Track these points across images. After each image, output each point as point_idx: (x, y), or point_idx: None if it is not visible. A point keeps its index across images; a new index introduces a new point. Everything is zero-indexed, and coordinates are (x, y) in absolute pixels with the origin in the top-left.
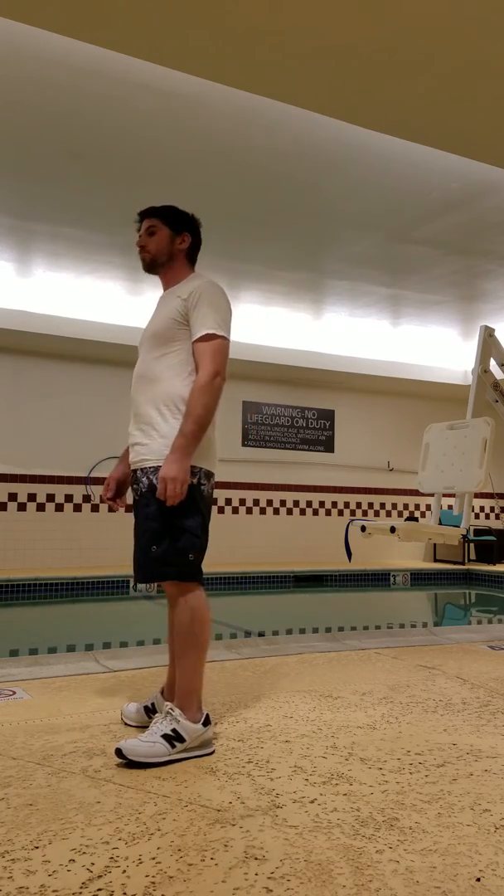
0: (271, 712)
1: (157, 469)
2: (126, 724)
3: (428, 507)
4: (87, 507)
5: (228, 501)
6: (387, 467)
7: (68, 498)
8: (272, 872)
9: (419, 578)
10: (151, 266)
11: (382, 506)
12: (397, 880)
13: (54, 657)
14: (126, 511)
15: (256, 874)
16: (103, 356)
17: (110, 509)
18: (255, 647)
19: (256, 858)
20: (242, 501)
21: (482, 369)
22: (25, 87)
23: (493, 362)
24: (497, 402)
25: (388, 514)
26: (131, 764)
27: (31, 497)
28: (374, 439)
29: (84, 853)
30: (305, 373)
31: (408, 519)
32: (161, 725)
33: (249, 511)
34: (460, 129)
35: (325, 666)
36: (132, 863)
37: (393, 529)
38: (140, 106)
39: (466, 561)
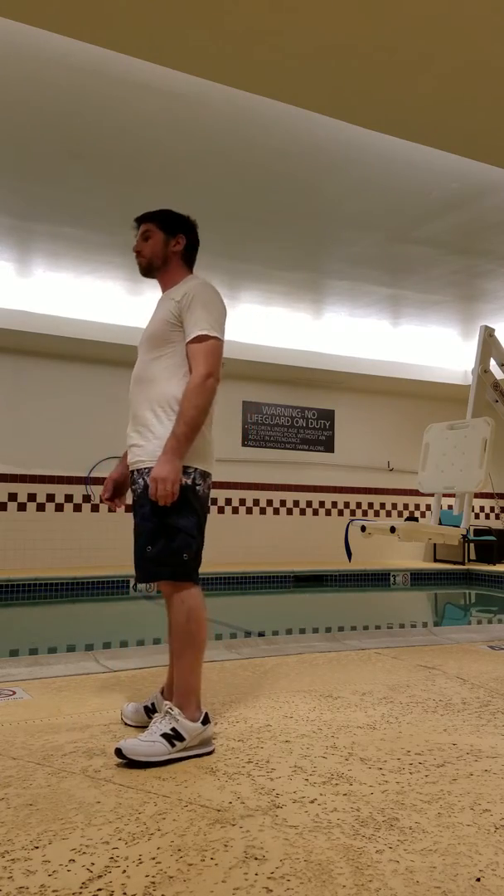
0: (271, 712)
1: (151, 470)
2: (126, 724)
3: (428, 507)
4: (87, 507)
5: (228, 501)
6: (387, 467)
7: (68, 498)
8: (272, 872)
9: (419, 578)
10: (147, 270)
11: (382, 506)
12: (397, 880)
13: (54, 657)
14: (126, 511)
15: (256, 874)
16: (103, 356)
17: (110, 509)
18: (255, 647)
19: (256, 858)
20: (242, 501)
21: (482, 369)
22: (25, 87)
23: (493, 362)
24: (497, 402)
25: (388, 514)
26: (131, 763)
27: (31, 497)
28: (374, 439)
29: (84, 853)
30: (305, 373)
31: (408, 519)
32: (160, 725)
33: (249, 511)
34: (460, 129)
35: (325, 666)
36: (132, 863)
37: (393, 529)
38: (140, 106)
39: (466, 561)
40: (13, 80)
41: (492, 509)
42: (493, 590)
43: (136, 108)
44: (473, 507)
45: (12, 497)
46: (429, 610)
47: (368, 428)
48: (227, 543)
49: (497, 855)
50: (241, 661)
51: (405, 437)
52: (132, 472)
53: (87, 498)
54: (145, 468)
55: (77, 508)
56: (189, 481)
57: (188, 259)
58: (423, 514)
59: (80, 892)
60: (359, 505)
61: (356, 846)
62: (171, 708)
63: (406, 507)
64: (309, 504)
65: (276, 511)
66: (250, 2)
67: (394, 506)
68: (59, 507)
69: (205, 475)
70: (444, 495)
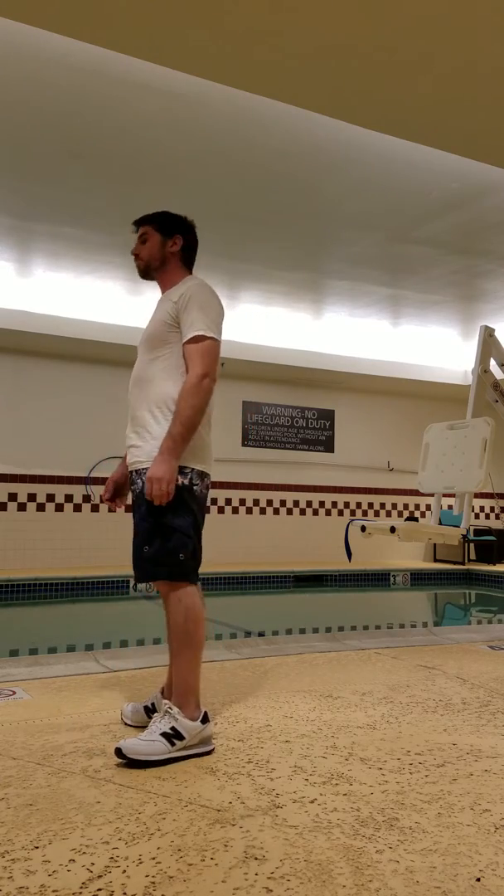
0: (271, 712)
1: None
2: (126, 724)
3: (428, 507)
4: (87, 507)
5: (228, 501)
6: (387, 467)
7: (68, 498)
8: (272, 872)
9: (419, 578)
10: (146, 272)
11: (382, 506)
12: (397, 880)
13: (54, 657)
14: (126, 511)
15: (256, 874)
16: (103, 356)
17: (110, 509)
18: (255, 647)
19: (256, 858)
20: (242, 501)
21: (482, 369)
22: (25, 87)
23: (493, 362)
24: (497, 402)
25: (388, 514)
26: (132, 763)
27: (31, 497)
28: (374, 439)
29: (84, 853)
30: (305, 373)
31: (408, 519)
32: (160, 724)
33: (249, 511)
34: (460, 129)
35: (325, 666)
36: (132, 863)
37: (393, 529)
38: (140, 106)
39: (466, 561)
40: (13, 80)
41: (492, 509)
42: (493, 590)
43: (136, 108)
44: (473, 507)
45: (12, 497)
46: (429, 610)
47: (368, 428)
48: (227, 543)
49: (497, 855)
50: (241, 661)
51: (405, 437)
52: (131, 472)
53: (87, 498)
54: (143, 468)
55: (77, 508)
56: (186, 481)
57: (187, 260)
58: (423, 514)
59: (80, 892)
60: (359, 505)
61: (356, 846)
62: (170, 707)
63: (406, 507)
64: (309, 504)
65: (276, 511)
66: (250, 2)
67: (394, 506)
68: (59, 507)
69: (202, 475)
70: (444, 495)
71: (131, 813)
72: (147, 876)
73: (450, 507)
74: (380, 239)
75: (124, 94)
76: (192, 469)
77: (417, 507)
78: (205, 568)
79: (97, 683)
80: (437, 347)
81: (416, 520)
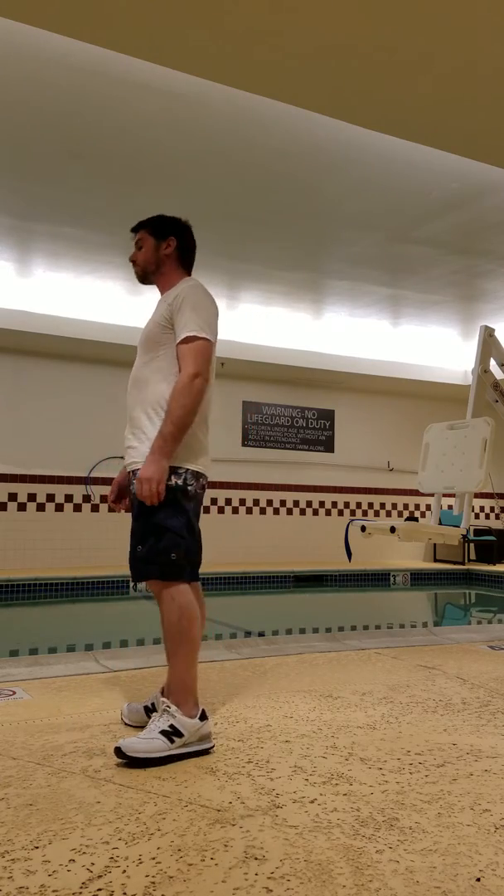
0: (271, 712)
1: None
2: (126, 724)
3: (428, 507)
4: (87, 507)
5: (228, 501)
6: (387, 467)
7: (68, 498)
8: (272, 872)
9: (419, 578)
10: (143, 277)
11: (382, 506)
12: (397, 880)
13: (54, 657)
14: (127, 512)
15: (256, 874)
16: (103, 356)
17: (110, 509)
18: (255, 647)
19: (256, 858)
20: (242, 501)
21: (482, 369)
22: (25, 87)
23: (493, 362)
24: (497, 402)
25: (388, 514)
26: (132, 763)
27: (31, 497)
28: (374, 439)
29: (84, 853)
30: (305, 373)
31: (408, 519)
32: (159, 723)
33: (249, 511)
34: (460, 129)
35: (325, 666)
36: (132, 863)
37: (393, 529)
38: (140, 106)
39: (466, 561)
40: (13, 80)
41: (492, 509)
42: (493, 590)
43: (136, 108)
44: (473, 507)
45: (12, 497)
46: (429, 610)
47: (368, 428)
48: (227, 543)
49: (497, 855)
50: (241, 661)
51: (405, 437)
52: (129, 473)
53: (87, 498)
54: (139, 469)
55: (77, 508)
56: (180, 482)
57: (184, 261)
58: (423, 514)
59: (80, 892)
60: (359, 505)
61: (356, 846)
62: (168, 706)
63: (406, 507)
64: (309, 504)
65: (276, 511)
66: (250, 2)
67: (394, 506)
68: (59, 507)
69: (197, 476)
70: (444, 495)
71: (131, 813)
72: (147, 876)
73: (450, 507)
74: (380, 239)
75: (124, 94)
76: (187, 469)
77: (417, 507)
78: (205, 568)
79: (97, 683)
80: (437, 347)
81: (416, 520)
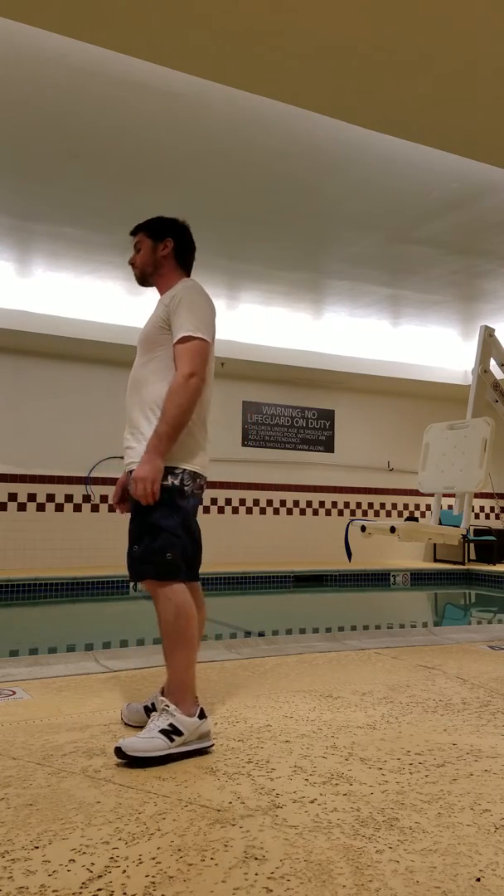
0: (271, 712)
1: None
2: (126, 724)
3: (428, 507)
4: (87, 507)
5: (228, 501)
6: (387, 467)
7: (68, 498)
8: (272, 872)
9: (419, 578)
10: (142, 279)
11: (382, 506)
12: (397, 880)
13: (54, 657)
14: (127, 513)
15: (256, 874)
16: (103, 356)
17: (110, 509)
18: (255, 647)
19: (256, 858)
20: (242, 501)
21: (482, 369)
22: (25, 87)
23: (493, 362)
24: (497, 402)
25: (388, 514)
26: (132, 762)
27: (31, 497)
28: (374, 439)
29: (84, 853)
30: (305, 373)
31: (408, 519)
32: (158, 722)
33: (249, 511)
34: (460, 129)
35: (325, 666)
36: (132, 863)
37: (393, 529)
38: (140, 106)
39: (466, 561)
40: (13, 80)
41: (492, 509)
42: (493, 590)
43: (135, 108)
44: (473, 507)
45: (12, 497)
46: (429, 610)
47: (368, 428)
48: (227, 543)
49: (497, 855)
50: (241, 661)
51: (405, 437)
52: (128, 473)
53: (87, 498)
54: None
55: (77, 508)
56: (176, 482)
57: (182, 262)
58: (423, 514)
59: (80, 892)
60: (359, 505)
61: (356, 846)
62: (167, 705)
63: (406, 507)
64: (309, 504)
65: (276, 511)
66: (250, 2)
67: (394, 506)
68: (59, 507)
69: (194, 476)
70: (444, 495)
71: (131, 813)
72: (147, 876)
73: (450, 507)
74: (380, 239)
75: (124, 94)
76: (184, 470)
77: (417, 507)
78: (205, 568)
79: (97, 683)
80: (437, 347)
81: (416, 520)
